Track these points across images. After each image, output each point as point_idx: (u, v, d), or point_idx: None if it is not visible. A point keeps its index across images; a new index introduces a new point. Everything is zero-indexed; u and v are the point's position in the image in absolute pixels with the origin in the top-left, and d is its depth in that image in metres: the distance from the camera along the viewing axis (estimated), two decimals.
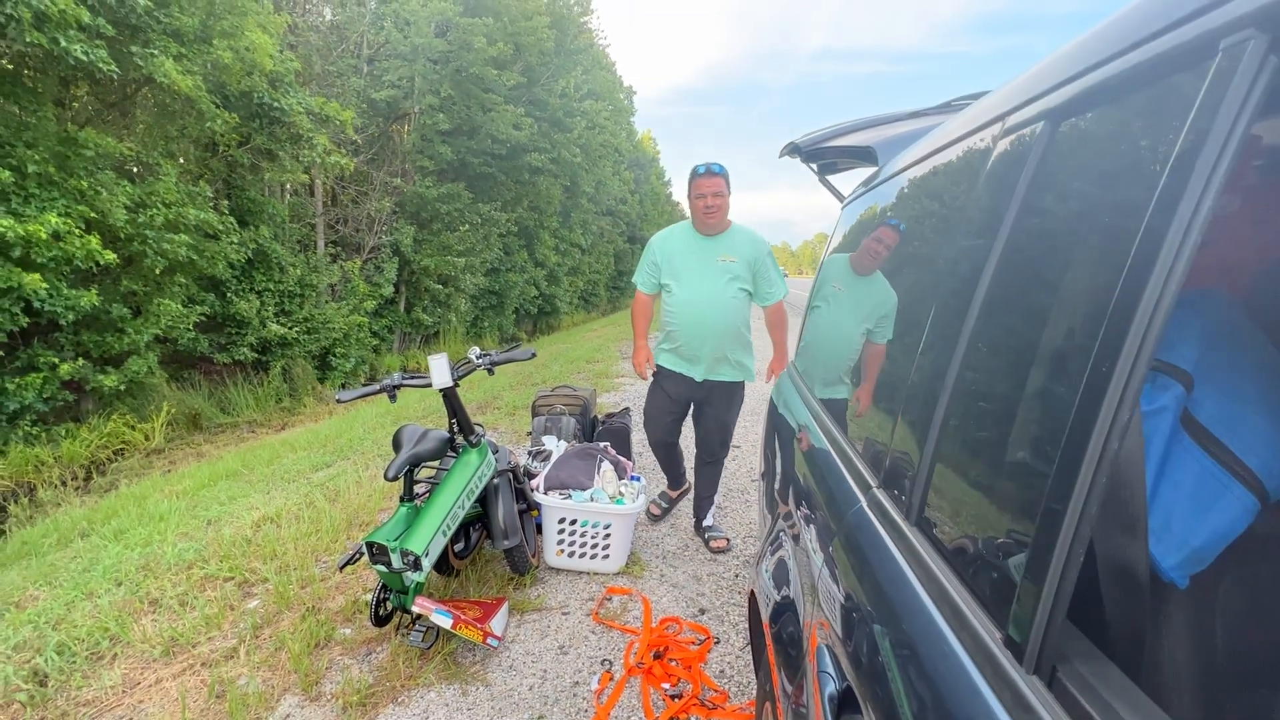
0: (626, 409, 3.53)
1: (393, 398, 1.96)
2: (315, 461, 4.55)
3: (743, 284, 2.48)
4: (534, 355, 2.04)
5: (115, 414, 7.27)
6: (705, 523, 2.90)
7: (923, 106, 1.95)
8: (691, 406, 2.70)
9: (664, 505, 3.12)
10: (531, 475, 2.74)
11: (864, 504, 0.94)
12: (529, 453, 2.90)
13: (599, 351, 8.82)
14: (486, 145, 13.43)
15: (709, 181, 2.43)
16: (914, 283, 0.99)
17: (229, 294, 8.82)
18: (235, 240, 8.39)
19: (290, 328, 9.75)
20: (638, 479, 2.54)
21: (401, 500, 1.91)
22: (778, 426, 1.58)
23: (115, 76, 6.26)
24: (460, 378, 1.94)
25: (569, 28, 15.39)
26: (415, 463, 1.86)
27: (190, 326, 7.97)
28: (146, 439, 7.55)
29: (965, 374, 0.74)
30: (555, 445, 2.90)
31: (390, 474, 1.79)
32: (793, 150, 2.05)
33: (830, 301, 1.57)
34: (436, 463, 2.12)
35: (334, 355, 10.91)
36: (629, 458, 3.34)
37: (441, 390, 1.92)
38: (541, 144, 14.69)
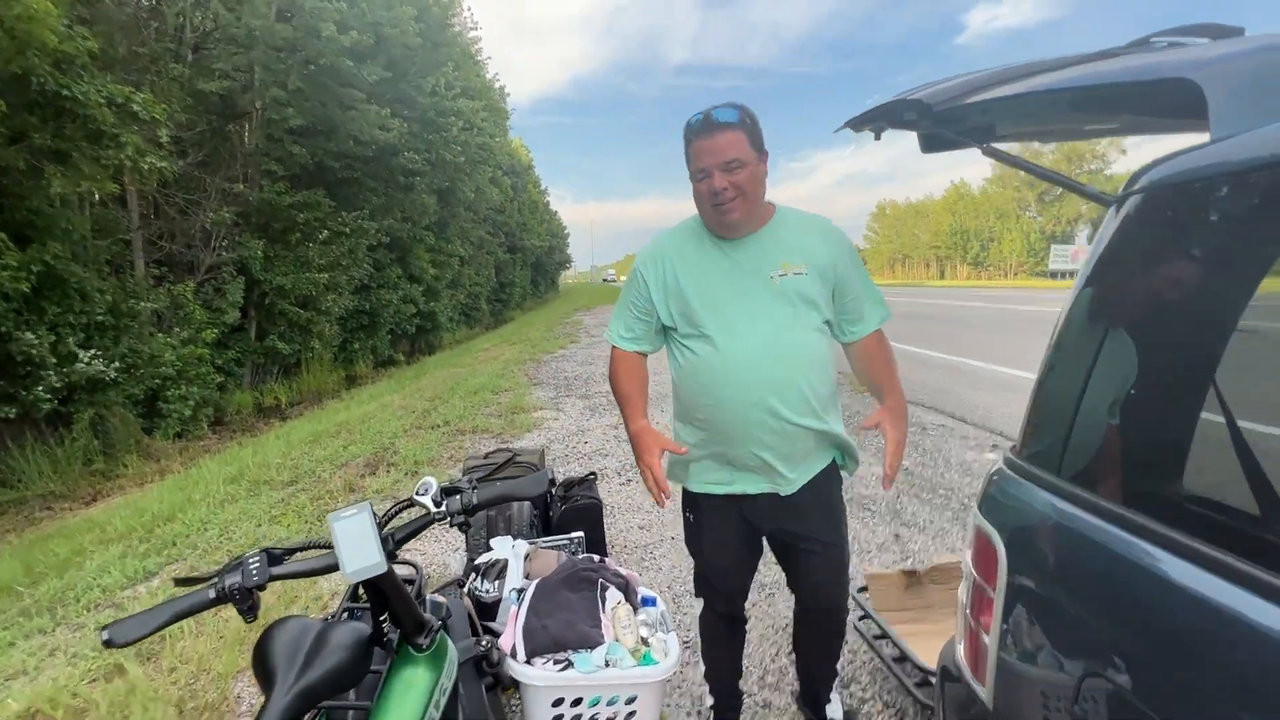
0: (591, 475, 2.70)
1: (249, 612, 0.92)
2: (132, 568, 3.26)
3: (821, 310, 1.47)
4: (551, 482, 1.12)
5: None
6: (831, 714, 1.80)
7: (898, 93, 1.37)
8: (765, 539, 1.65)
9: None
10: (483, 604, 1.85)
11: None
12: (472, 568, 2.00)
13: (503, 378, 7.78)
14: (348, 147, 11.84)
15: (711, 143, 1.38)
16: None
17: (5, 329, 6.77)
18: (13, 264, 6.45)
19: (106, 365, 7.74)
20: (652, 601, 1.74)
21: None
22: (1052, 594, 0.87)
23: None
24: (401, 543, 1.01)
25: (435, 20, 14.07)
26: (308, 706, 0.93)
27: None
28: None
29: None
30: (510, 550, 2.03)
31: None
32: (903, 115, 1.36)
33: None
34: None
35: (165, 398, 8.92)
36: (604, 549, 2.52)
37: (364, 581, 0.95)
38: (414, 145, 13.25)
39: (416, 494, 1.01)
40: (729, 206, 1.42)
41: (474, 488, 1.03)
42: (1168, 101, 0.92)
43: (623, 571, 1.79)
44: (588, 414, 5.79)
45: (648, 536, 3.12)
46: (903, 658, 1.80)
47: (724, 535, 1.63)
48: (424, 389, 7.95)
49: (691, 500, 1.66)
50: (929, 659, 1.70)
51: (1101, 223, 0.97)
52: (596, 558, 1.86)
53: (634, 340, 1.62)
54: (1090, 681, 0.81)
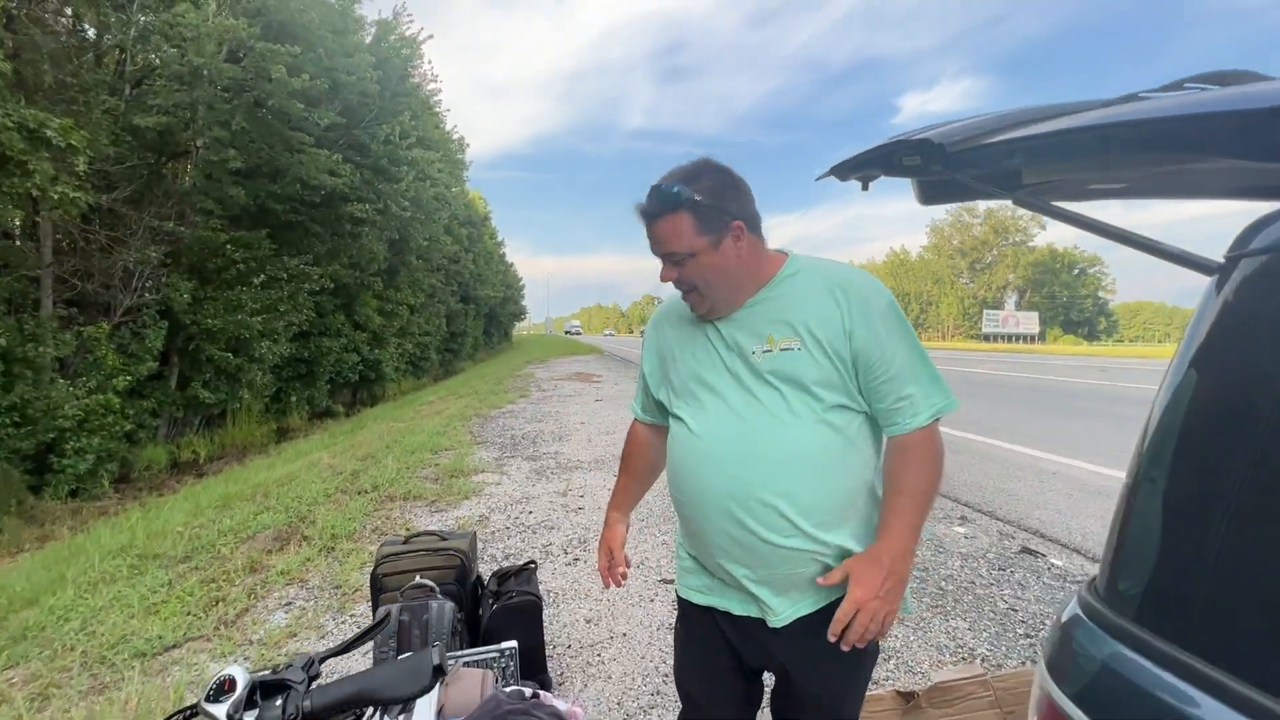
0: (530, 565, 2.32)
1: None
2: None
3: (819, 395, 1.10)
4: (441, 672, 0.76)
5: None
6: None
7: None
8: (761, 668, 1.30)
9: None
10: None
11: None
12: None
13: (445, 435, 7.27)
14: (294, 190, 11.40)
15: (651, 230, 1.13)
16: None
17: None
18: None
19: None
20: None
21: None
22: None
23: None
24: None
25: (395, 70, 14.01)
26: None
27: None
28: None
29: None
30: None
31: None
32: (902, 159, 1.14)
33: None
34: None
35: (59, 453, 8.00)
36: (543, 660, 2.12)
37: None
38: (365, 194, 12.91)
39: (207, 699, 0.64)
40: (689, 300, 1.19)
41: (310, 680, 0.67)
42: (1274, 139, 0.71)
43: (561, 708, 1.42)
44: (534, 478, 5.37)
45: (595, 633, 2.71)
46: None
47: (707, 658, 1.29)
48: (358, 446, 7.35)
49: (679, 604, 1.35)
50: None
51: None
52: (529, 691, 1.48)
53: (645, 410, 1.42)
54: None
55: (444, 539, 2.27)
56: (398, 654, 1.78)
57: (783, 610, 1.14)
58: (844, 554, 1.12)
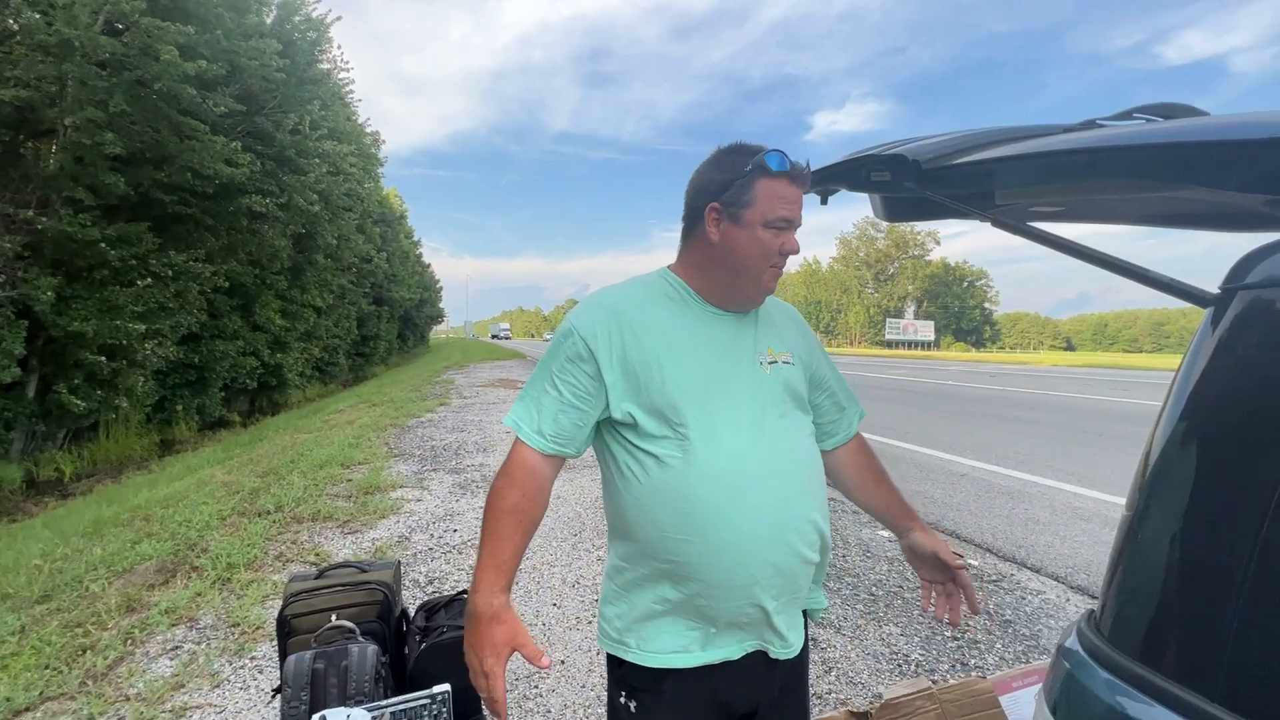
0: (462, 595, 2.13)
1: None
2: None
3: (808, 408, 1.20)
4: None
5: None
6: None
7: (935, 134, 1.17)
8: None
9: None
10: None
11: None
12: None
13: (357, 447, 6.78)
14: (184, 179, 10.39)
15: (798, 194, 1.07)
16: None
17: None
18: None
19: None
20: None
21: None
22: None
23: None
24: None
25: (302, 55, 13.12)
26: None
27: None
28: None
29: None
30: None
31: None
32: (870, 174, 1.11)
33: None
34: None
35: None
36: (478, 701, 1.95)
37: None
38: (267, 186, 11.98)
39: None
40: (777, 276, 1.12)
41: None
42: (1266, 169, 0.71)
43: None
44: (458, 493, 5.10)
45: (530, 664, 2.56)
46: None
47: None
48: (258, 460, 6.74)
49: (636, 677, 1.07)
50: None
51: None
52: None
53: (556, 439, 1.06)
54: None
55: (364, 570, 2.05)
56: (311, 710, 1.57)
57: (794, 640, 1.12)
58: (821, 566, 1.17)
